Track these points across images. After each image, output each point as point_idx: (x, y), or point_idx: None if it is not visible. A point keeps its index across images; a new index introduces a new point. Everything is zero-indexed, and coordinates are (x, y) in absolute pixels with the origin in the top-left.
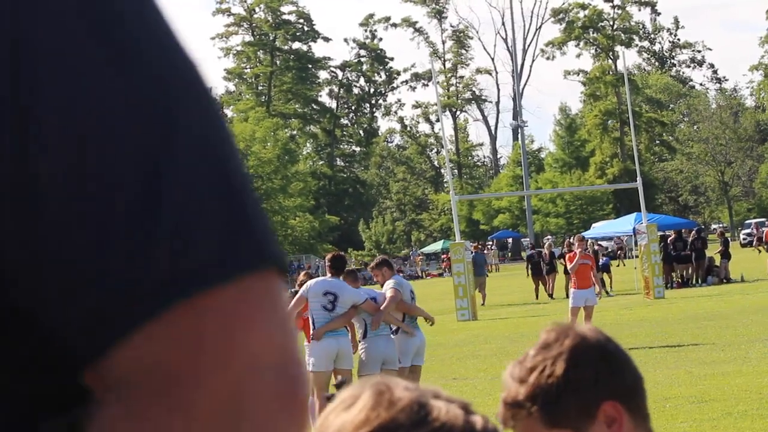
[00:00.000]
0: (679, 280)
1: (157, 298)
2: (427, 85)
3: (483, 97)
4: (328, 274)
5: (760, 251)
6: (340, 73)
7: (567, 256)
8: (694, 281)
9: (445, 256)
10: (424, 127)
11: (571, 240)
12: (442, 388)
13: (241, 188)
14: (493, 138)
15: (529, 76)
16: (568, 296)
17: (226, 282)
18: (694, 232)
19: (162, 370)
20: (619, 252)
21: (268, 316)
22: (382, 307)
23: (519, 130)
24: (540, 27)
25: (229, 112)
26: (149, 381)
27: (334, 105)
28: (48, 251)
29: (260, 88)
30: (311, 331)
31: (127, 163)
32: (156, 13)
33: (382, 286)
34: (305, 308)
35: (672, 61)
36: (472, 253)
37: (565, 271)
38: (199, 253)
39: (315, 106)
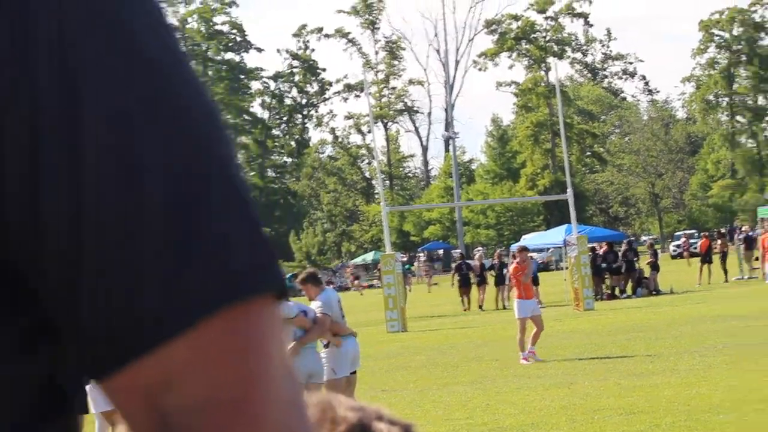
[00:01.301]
0: (609, 291)
1: (198, 305)
2: (360, 96)
3: (415, 108)
4: None
5: (689, 263)
6: (272, 84)
7: (512, 267)
8: (622, 292)
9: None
10: (355, 138)
11: (502, 252)
12: (385, 408)
13: (256, 213)
14: (425, 149)
15: (461, 87)
16: (503, 307)
17: (256, 295)
18: (625, 243)
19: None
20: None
21: (281, 327)
22: (310, 332)
23: (450, 142)
24: (472, 38)
25: None
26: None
27: (266, 116)
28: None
29: None
30: None
31: (167, 184)
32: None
33: (310, 300)
34: None
35: (604, 72)
36: (401, 263)
37: (498, 282)
38: (233, 268)
39: (247, 117)
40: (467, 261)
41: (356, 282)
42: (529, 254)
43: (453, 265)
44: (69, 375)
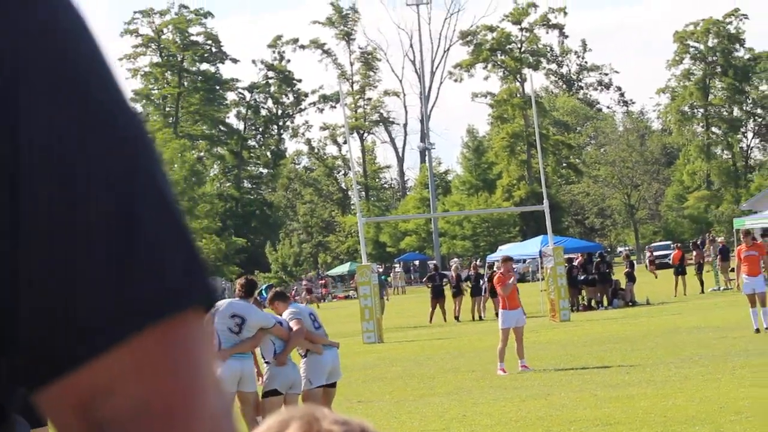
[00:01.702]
0: (585, 302)
1: (135, 318)
2: (335, 107)
3: (391, 119)
4: (237, 297)
5: (656, 275)
6: (248, 95)
7: (495, 278)
8: (599, 303)
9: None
10: (331, 149)
11: (478, 263)
12: (368, 422)
13: (188, 229)
14: (401, 160)
15: (437, 98)
16: (479, 318)
17: (188, 309)
18: (597, 255)
19: (143, 405)
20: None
21: (211, 340)
22: (289, 343)
23: (426, 153)
24: (448, 49)
25: None
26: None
27: (241, 126)
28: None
29: (168, 109)
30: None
31: (107, 204)
32: (113, 76)
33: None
34: None
35: (579, 83)
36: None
37: (475, 293)
38: (170, 282)
39: (222, 128)
40: (441, 272)
41: (310, 296)
42: (512, 265)
43: (426, 277)
44: (2, 386)
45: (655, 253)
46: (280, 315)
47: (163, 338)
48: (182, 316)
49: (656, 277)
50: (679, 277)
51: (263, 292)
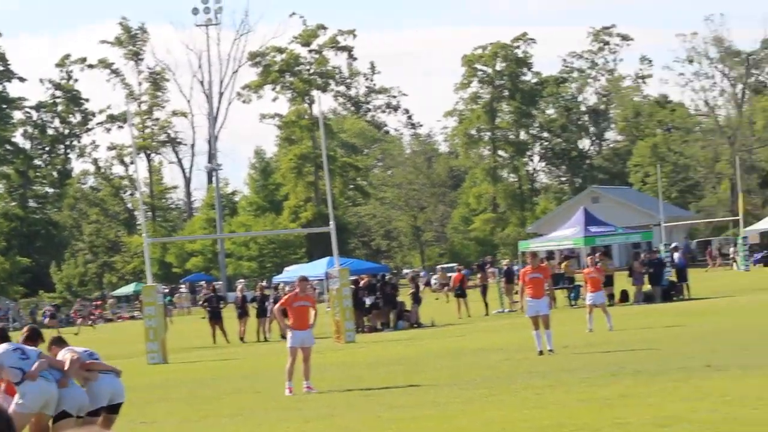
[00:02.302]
0: (370, 324)
1: None
2: (123, 127)
3: (178, 140)
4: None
5: (448, 299)
6: (35, 114)
7: (284, 298)
8: (384, 325)
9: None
10: (118, 169)
11: (264, 284)
12: None
13: None
14: (188, 181)
15: (225, 119)
16: (264, 339)
17: None
18: (379, 276)
19: None
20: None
21: None
22: (65, 368)
23: (214, 173)
24: (237, 70)
25: None
26: None
27: (28, 145)
28: None
29: None
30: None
31: None
32: None
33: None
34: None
35: (367, 105)
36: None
37: (260, 314)
38: None
39: (8, 147)
40: (218, 294)
41: (53, 322)
42: (309, 284)
43: (202, 298)
44: None
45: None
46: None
47: None
48: None
49: (447, 301)
50: (460, 299)
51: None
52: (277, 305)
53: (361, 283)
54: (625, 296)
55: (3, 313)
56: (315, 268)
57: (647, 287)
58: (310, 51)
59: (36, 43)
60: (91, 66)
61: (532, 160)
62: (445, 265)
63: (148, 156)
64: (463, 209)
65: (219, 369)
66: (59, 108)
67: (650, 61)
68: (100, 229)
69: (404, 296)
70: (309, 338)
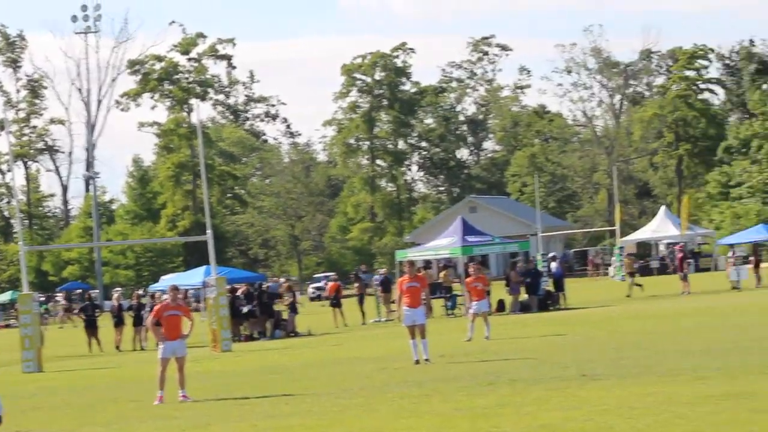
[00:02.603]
0: (247, 333)
1: None
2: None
3: (56, 148)
4: None
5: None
6: None
7: (155, 309)
8: (261, 334)
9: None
10: None
11: (141, 292)
12: None
13: None
14: (65, 189)
15: (103, 127)
16: (140, 348)
17: None
18: (256, 285)
19: None
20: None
21: None
22: None
23: (91, 181)
24: (115, 78)
25: None
26: None
27: None
28: None
29: None
30: None
31: None
32: None
33: None
34: None
35: (246, 114)
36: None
37: (137, 323)
38: None
39: None
40: (94, 302)
41: None
42: (180, 294)
43: (78, 307)
44: None
45: (318, 285)
46: None
47: None
48: None
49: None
50: (336, 309)
51: None
52: (150, 317)
53: (239, 292)
54: (501, 306)
55: None
56: (192, 277)
57: (524, 297)
58: (190, 59)
59: None
60: None
61: (410, 170)
62: (321, 275)
63: (25, 164)
64: (341, 218)
65: (95, 378)
66: None
67: (529, 71)
68: None
69: (281, 305)
70: (181, 348)
